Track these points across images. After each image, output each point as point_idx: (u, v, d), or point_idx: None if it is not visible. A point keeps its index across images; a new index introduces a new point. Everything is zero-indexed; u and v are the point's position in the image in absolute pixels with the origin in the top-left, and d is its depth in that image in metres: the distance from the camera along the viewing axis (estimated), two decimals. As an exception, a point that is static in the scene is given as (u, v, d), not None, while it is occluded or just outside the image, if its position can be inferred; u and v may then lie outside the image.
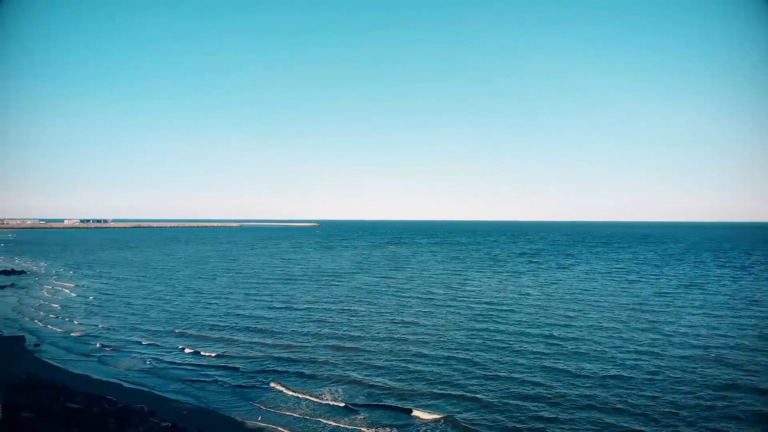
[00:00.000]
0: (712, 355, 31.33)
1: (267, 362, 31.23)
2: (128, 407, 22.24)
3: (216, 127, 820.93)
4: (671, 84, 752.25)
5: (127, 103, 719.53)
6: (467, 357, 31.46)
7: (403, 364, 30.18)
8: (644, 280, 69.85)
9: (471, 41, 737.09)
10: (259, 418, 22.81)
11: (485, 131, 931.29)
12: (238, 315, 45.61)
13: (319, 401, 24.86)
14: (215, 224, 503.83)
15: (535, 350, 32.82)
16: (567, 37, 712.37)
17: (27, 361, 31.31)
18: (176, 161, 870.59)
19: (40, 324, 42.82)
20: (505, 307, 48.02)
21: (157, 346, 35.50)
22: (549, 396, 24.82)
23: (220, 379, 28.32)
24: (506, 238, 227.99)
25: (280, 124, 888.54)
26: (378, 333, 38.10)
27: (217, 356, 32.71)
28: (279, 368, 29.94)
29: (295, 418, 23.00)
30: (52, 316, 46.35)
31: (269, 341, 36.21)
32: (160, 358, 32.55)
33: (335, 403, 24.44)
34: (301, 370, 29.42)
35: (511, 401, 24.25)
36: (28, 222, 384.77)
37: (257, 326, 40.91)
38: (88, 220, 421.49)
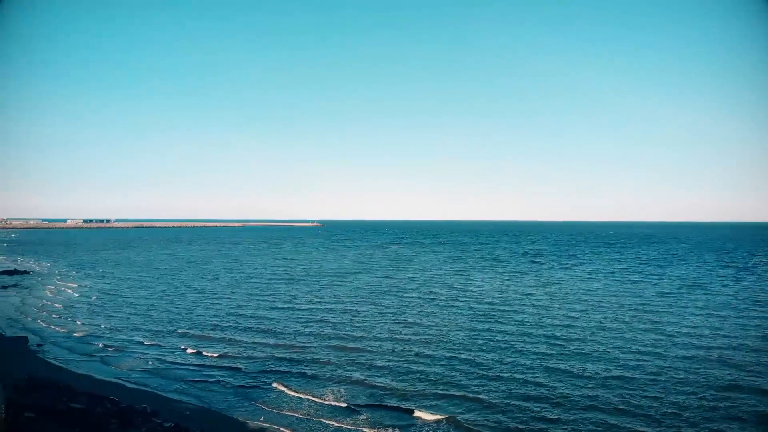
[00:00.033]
0: (715, 355, 31.24)
1: (269, 362, 31.26)
2: (131, 407, 22.29)
3: (218, 127, 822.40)
4: (671, 84, 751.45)
5: (129, 102, 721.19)
6: (469, 357, 31.43)
7: (406, 365, 30.18)
8: (647, 280, 69.69)
9: (471, 41, 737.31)
10: (262, 419, 22.84)
11: (485, 131, 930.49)
12: (240, 315, 45.68)
13: (322, 402, 24.87)
14: (217, 224, 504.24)
15: (537, 351, 32.77)
16: (567, 37, 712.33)
17: (30, 361, 31.40)
18: (178, 161, 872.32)
19: (43, 324, 42.95)
20: (507, 308, 47.96)
21: (159, 346, 35.57)
22: (551, 397, 24.78)
23: (222, 379, 28.36)
24: (508, 238, 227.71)
25: (281, 124, 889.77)
26: (380, 333, 38.10)
27: (220, 356, 32.75)
28: (281, 368, 29.97)
29: (297, 418, 23.02)
30: (54, 316, 46.48)
31: (271, 341, 36.25)
32: (163, 358, 32.61)
33: (337, 404, 24.46)
34: (303, 371, 29.44)
35: (513, 402, 24.22)
36: (31, 222, 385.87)
37: (260, 326, 40.96)
38: (90, 220, 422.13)
